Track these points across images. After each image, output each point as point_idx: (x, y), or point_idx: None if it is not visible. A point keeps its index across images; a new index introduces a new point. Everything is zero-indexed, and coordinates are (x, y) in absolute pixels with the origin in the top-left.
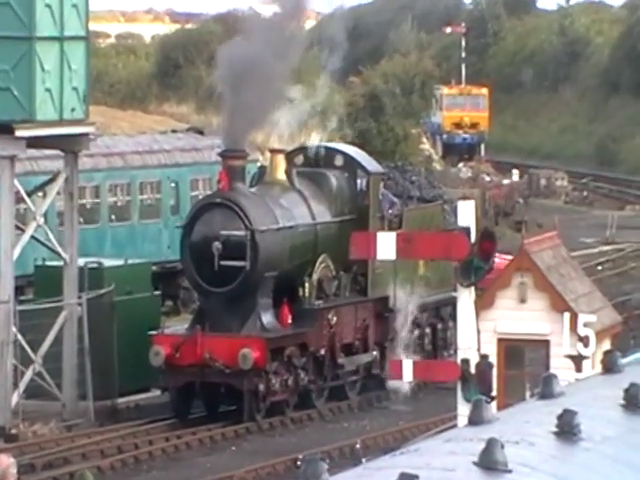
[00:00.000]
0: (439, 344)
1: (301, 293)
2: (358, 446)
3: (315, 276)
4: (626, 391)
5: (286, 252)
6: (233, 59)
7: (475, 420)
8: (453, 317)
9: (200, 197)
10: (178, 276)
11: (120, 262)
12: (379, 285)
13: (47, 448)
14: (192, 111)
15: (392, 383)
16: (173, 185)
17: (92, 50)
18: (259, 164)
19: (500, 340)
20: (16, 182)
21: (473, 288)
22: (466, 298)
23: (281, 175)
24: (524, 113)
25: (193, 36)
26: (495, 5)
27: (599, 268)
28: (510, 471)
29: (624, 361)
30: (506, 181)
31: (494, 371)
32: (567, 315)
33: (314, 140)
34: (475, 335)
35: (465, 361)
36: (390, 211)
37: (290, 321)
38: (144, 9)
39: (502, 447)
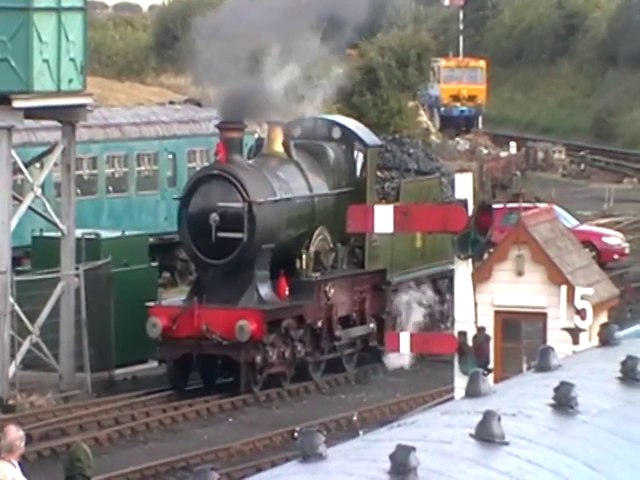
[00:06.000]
0: (436, 317)
1: (298, 265)
2: (355, 418)
3: (312, 248)
4: (623, 364)
5: (283, 224)
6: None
7: (472, 393)
8: (450, 290)
9: (197, 169)
10: (175, 248)
11: (117, 233)
12: (376, 258)
13: (44, 419)
14: (189, 83)
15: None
16: (170, 157)
17: (89, 21)
18: (256, 136)
19: (497, 313)
20: (13, 153)
21: (470, 261)
22: (463, 271)
23: (278, 147)
24: (522, 86)
25: (191, 7)
26: None
27: None
28: (507, 443)
29: (621, 334)
30: (504, 154)
31: (491, 344)
32: (564, 288)
33: (311, 112)
34: (472, 308)
35: (462, 334)
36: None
37: (287, 293)
38: None
39: (499, 419)
